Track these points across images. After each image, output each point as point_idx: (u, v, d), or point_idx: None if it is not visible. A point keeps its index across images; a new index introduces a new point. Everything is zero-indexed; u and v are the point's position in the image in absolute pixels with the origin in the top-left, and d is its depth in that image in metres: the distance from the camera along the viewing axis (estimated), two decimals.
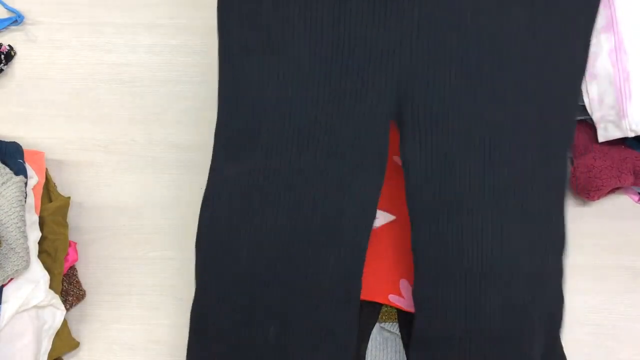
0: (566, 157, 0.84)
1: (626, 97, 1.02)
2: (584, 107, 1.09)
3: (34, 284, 0.94)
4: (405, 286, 0.98)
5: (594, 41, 1.07)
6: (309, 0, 0.72)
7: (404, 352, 0.94)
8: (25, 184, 0.99)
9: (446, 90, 0.73)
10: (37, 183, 1.03)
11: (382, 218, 1.04)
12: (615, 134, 1.04)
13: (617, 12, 1.05)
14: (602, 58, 1.05)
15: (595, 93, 1.06)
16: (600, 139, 1.07)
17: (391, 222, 1.04)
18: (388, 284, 0.98)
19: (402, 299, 0.97)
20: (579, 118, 1.11)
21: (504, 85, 0.75)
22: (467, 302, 0.75)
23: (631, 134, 1.02)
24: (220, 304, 0.80)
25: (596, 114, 1.06)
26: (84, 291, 1.04)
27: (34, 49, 1.30)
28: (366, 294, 0.97)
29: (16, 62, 1.28)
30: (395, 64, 0.73)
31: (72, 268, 1.05)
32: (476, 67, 0.74)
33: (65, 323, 0.99)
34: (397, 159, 1.10)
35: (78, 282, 1.04)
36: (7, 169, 0.98)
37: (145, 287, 1.05)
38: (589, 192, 1.05)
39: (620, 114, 1.03)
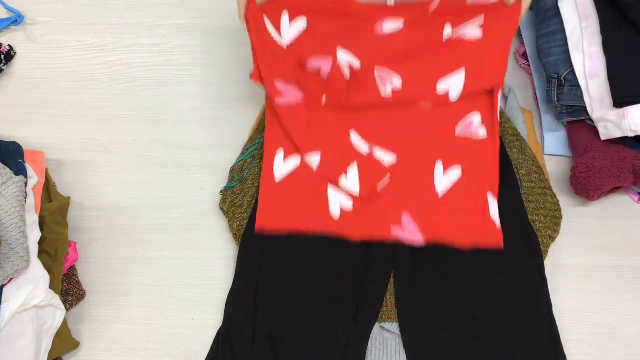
0: None
1: None
2: (584, 107, 1.09)
3: (34, 284, 0.94)
4: (407, 218, 1.00)
5: (595, 40, 1.06)
6: None
7: (404, 352, 0.94)
8: (25, 184, 0.99)
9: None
10: (37, 183, 1.03)
11: (384, 155, 1.05)
12: (615, 133, 1.04)
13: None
14: (603, 57, 1.05)
15: (596, 92, 1.06)
16: (602, 137, 1.06)
17: (393, 160, 1.05)
18: (391, 215, 1.00)
19: (403, 231, 0.99)
20: (579, 118, 1.11)
21: None
22: None
23: (631, 134, 1.02)
24: None
25: (596, 114, 1.06)
26: (84, 291, 1.04)
27: (34, 49, 1.30)
28: (370, 230, 1.00)
29: (16, 62, 1.28)
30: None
31: (72, 268, 1.05)
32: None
33: (65, 323, 0.99)
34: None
35: (78, 282, 1.04)
36: (7, 169, 0.98)
37: (145, 287, 1.05)
38: (588, 192, 1.05)
39: (621, 114, 1.02)
